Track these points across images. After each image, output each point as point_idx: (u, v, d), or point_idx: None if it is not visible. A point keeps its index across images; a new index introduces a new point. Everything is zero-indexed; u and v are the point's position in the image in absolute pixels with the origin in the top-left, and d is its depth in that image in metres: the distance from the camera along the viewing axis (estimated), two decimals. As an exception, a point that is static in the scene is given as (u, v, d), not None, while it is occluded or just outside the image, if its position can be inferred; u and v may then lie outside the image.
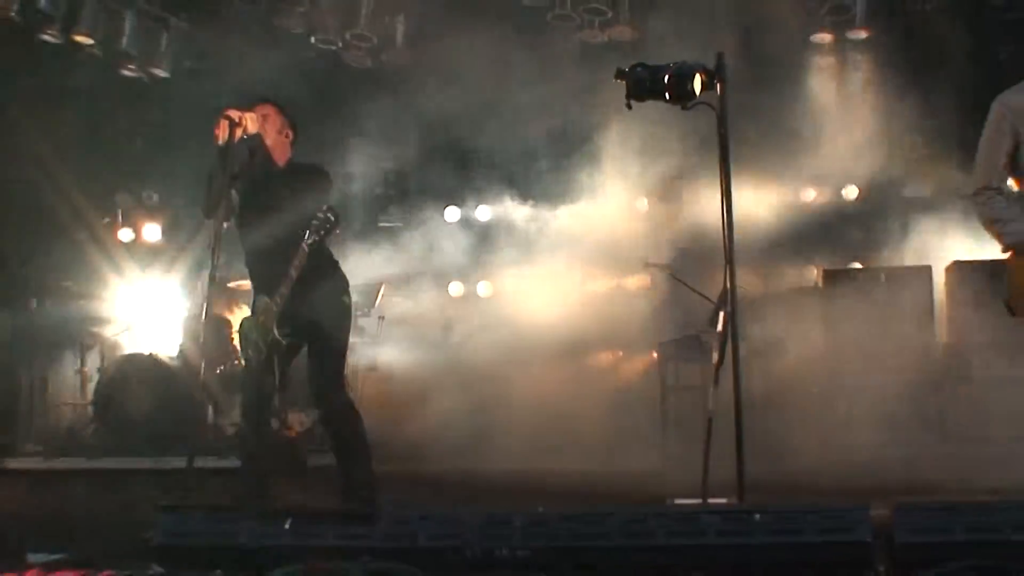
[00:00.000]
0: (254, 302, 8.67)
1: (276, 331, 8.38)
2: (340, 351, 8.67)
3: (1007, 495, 8.08)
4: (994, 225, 7.61)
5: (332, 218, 8.39)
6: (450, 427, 13.75)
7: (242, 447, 8.70)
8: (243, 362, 8.71)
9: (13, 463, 13.33)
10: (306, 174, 8.73)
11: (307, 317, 8.43)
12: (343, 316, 8.70)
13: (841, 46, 15.36)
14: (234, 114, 8.32)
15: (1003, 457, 11.38)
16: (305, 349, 8.70)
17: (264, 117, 8.59)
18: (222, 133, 8.26)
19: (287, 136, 8.74)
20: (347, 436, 8.58)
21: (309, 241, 8.34)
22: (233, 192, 8.49)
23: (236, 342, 8.83)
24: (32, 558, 6.56)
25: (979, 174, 7.71)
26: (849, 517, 5.87)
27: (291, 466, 12.37)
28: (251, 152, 8.42)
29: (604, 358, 15.85)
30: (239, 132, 8.30)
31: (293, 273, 8.34)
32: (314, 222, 8.36)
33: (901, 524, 5.84)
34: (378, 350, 15.48)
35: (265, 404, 8.65)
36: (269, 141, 8.56)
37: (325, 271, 8.62)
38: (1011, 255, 7.57)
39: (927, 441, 12.74)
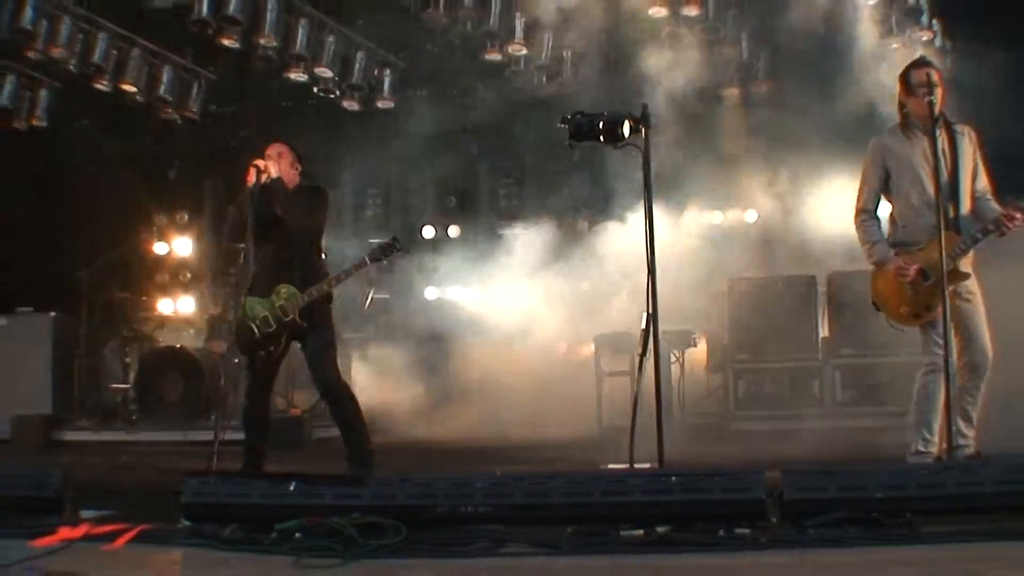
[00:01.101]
0: (255, 287, 8.54)
1: (297, 316, 8.35)
2: (332, 345, 8.63)
3: (875, 461, 8.15)
4: (864, 246, 7.73)
5: (398, 246, 8.72)
6: (427, 406, 13.75)
7: (244, 423, 8.64)
8: (243, 339, 8.63)
9: (69, 435, 13.27)
10: (310, 193, 8.75)
11: (310, 321, 8.42)
12: (330, 320, 8.67)
13: (745, 97, 15.40)
14: (260, 164, 8.37)
15: (873, 429, 11.45)
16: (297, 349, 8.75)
17: (279, 154, 8.60)
18: (251, 178, 8.31)
19: (297, 169, 8.74)
20: (345, 412, 8.55)
21: (374, 258, 8.64)
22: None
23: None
24: (84, 514, 6.53)
25: (859, 200, 7.81)
26: (747, 479, 5.90)
27: (297, 439, 12.35)
28: (276, 192, 8.41)
29: (552, 349, 15.85)
30: (264, 177, 8.35)
31: (343, 277, 8.55)
32: (384, 244, 8.69)
33: (789, 485, 5.88)
34: (368, 341, 15.47)
35: (264, 388, 8.61)
36: (284, 173, 8.56)
37: (326, 307, 8.61)
38: (876, 268, 7.69)
39: (810, 414, 12.82)
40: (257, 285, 8.58)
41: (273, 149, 8.64)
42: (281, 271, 8.49)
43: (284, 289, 8.41)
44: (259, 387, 8.58)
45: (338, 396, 8.61)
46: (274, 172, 8.44)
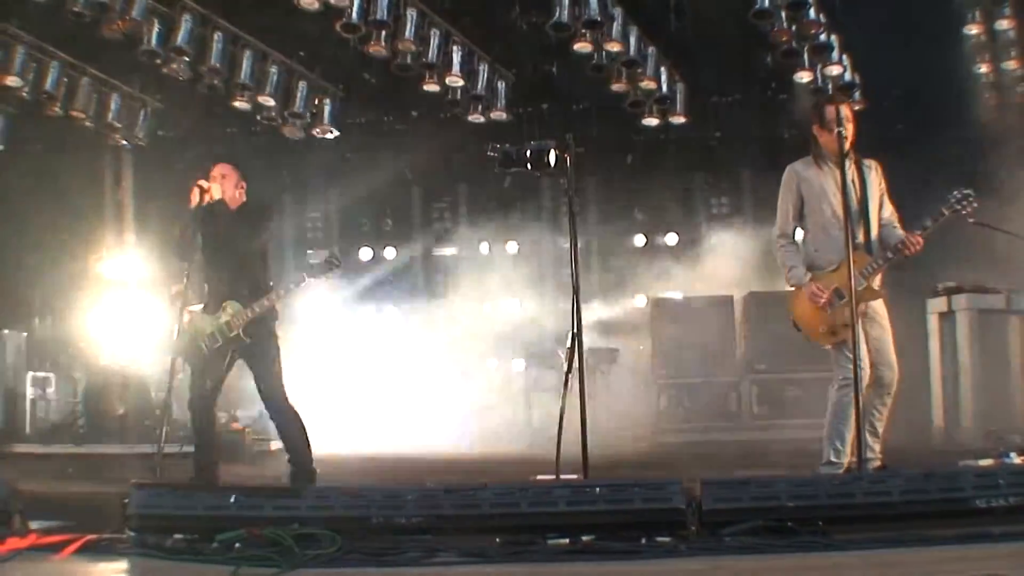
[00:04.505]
0: (207, 305, 8.47)
1: (242, 331, 8.25)
2: (278, 364, 8.50)
3: (787, 470, 8.19)
4: (784, 268, 7.77)
5: (336, 262, 8.50)
6: (362, 421, 13.67)
7: (195, 439, 8.52)
8: (191, 353, 8.50)
9: (18, 447, 13.08)
10: (254, 211, 8.69)
11: (255, 336, 8.34)
12: (275, 341, 8.54)
13: (666, 128, 15.48)
14: (204, 184, 8.30)
15: (785, 438, 11.53)
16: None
17: (224, 176, 8.51)
18: (194, 198, 8.25)
19: (241, 188, 8.64)
20: (290, 430, 8.46)
21: (313, 275, 8.43)
22: (198, 235, 8.39)
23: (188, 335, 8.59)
24: (32, 525, 6.42)
25: (778, 225, 7.86)
26: (667, 489, 5.90)
27: (237, 452, 12.23)
28: (218, 215, 8.35)
29: (484, 365, 15.84)
30: (207, 198, 8.28)
31: (282, 294, 8.41)
32: (324, 260, 8.46)
33: (707, 495, 5.89)
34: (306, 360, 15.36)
35: (209, 399, 8.48)
36: (227, 194, 8.50)
37: (271, 327, 8.51)
38: (793, 290, 7.74)
39: (727, 427, 12.89)
40: (207, 303, 8.51)
41: (217, 170, 8.54)
42: (228, 288, 8.41)
43: (230, 306, 8.32)
44: (204, 403, 8.46)
45: (284, 414, 8.51)
46: (216, 195, 8.36)
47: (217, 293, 8.48)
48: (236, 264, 8.47)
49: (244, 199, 8.70)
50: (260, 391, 8.57)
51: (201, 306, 8.61)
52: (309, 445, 8.53)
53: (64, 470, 11.16)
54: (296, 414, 8.59)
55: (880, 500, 5.78)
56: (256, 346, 8.41)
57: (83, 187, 15.85)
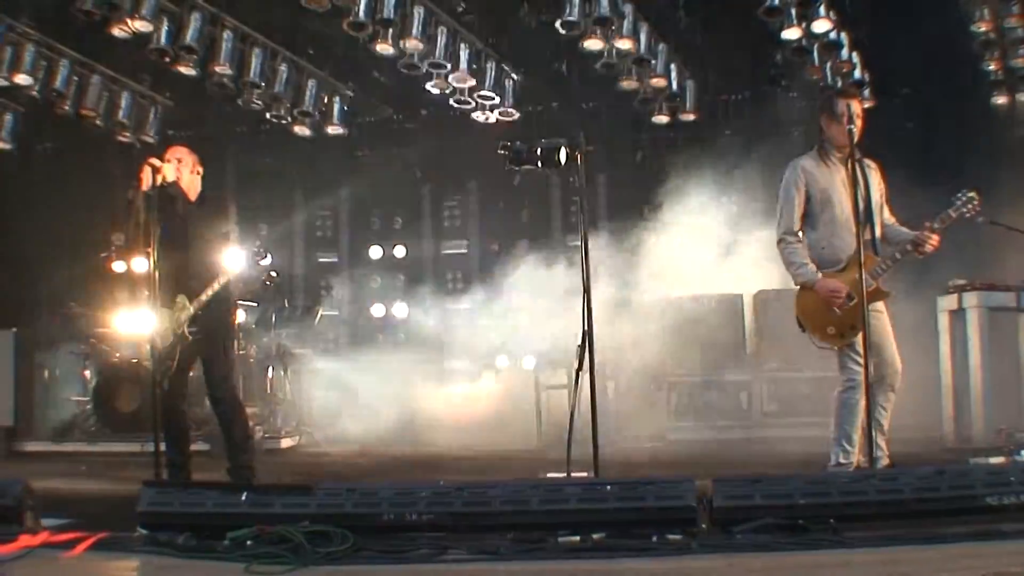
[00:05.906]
0: (161, 298, 8.12)
1: (185, 328, 8.13)
2: (229, 354, 8.47)
3: (798, 468, 8.18)
4: (790, 267, 7.73)
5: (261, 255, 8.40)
6: (373, 419, 13.66)
7: (165, 438, 8.13)
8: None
9: (30, 445, 13.11)
10: (212, 201, 8.50)
11: (203, 328, 8.21)
12: (227, 332, 8.54)
13: (676, 126, 15.49)
14: (155, 162, 7.97)
15: (795, 437, 11.52)
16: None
17: (179, 160, 8.25)
18: (146, 179, 7.89)
19: (198, 173, 8.40)
20: (233, 427, 8.33)
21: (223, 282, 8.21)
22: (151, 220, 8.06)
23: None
24: (44, 522, 6.44)
25: (782, 223, 7.81)
26: (679, 487, 5.91)
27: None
28: (172, 198, 8.13)
29: (494, 363, 15.81)
30: (159, 178, 7.92)
31: (210, 292, 8.14)
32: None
33: (718, 492, 5.89)
34: (317, 356, 15.35)
35: (169, 396, 8.22)
36: (184, 180, 8.25)
37: (224, 316, 8.42)
38: (800, 288, 7.70)
39: (738, 425, 12.86)
40: (164, 297, 8.23)
41: (172, 153, 8.29)
42: (183, 281, 8.24)
43: (180, 301, 8.21)
44: (170, 400, 8.24)
45: (227, 411, 8.38)
46: (170, 175, 8.08)
47: (172, 287, 8.25)
48: (187, 256, 8.24)
49: (200, 188, 8.46)
50: (207, 381, 8.42)
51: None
52: (252, 443, 8.41)
53: (76, 468, 11.18)
54: (242, 410, 8.49)
55: (892, 498, 5.78)
56: (205, 338, 8.26)
57: (93, 185, 15.87)
